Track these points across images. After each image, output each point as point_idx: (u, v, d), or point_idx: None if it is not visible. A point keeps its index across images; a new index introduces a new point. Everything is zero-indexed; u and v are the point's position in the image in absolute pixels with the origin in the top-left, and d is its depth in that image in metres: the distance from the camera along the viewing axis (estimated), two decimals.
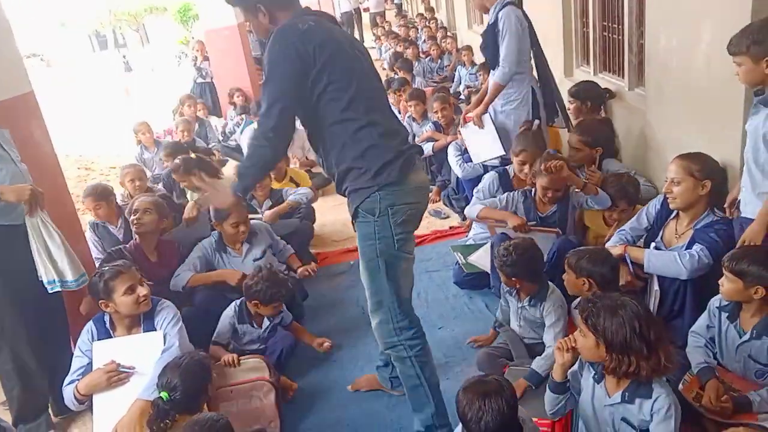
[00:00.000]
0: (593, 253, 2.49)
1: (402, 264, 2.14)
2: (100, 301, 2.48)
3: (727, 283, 2.10)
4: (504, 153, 3.86)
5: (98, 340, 2.49)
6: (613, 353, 1.79)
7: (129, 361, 2.37)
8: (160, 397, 2.12)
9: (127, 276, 2.46)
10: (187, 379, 2.13)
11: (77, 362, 2.47)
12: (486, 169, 4.18)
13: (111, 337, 2.51)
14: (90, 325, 2.54)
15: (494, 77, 3.83)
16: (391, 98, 6.48)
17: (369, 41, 16.20)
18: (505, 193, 3.36)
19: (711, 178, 2.44)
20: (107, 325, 2.53)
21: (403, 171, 2.05)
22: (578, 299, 2.28)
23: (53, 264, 2.44)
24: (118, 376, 2.34)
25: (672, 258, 2.41)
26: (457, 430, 1.90)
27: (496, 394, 1.70)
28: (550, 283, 2.64)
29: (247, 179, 2.13)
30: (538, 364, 2.44)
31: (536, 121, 3.89)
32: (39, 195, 2.42)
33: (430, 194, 4.86)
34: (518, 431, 1.77)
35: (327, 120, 2.04)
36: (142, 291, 2.48)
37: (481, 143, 4.03)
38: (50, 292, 2.47)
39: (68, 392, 2.40)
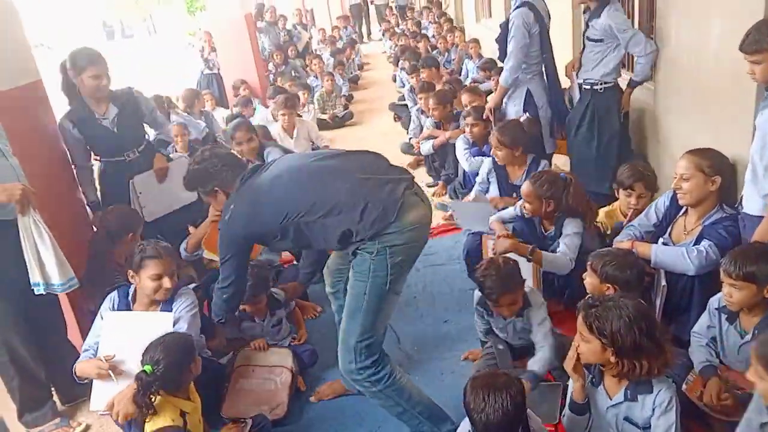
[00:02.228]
0: (619, 258, 2.38)
1: (387, 305, 2.15)
2: (129, 271, 2.53)
3: (737, 292, 2.01)
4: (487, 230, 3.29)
5: (116, 310, 2.52)
6: (624, 358, 1.76)
7: (136, 337, 2.35)
8: (144, 370, 2.14)
9: (162, 263, 2.49)
10: (169, 355, 2.16)
11: (96, 328, 2.50)
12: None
13: (129, 309, 2.54)
14: (113, 294, 2.57)
15: (500, 78, 4.08)
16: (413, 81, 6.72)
17: (376, 33, 16.23)
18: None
19: (721, 174, 2.42)
20: (129, 297, 2.56)
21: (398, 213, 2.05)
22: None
23: (40, 266, 2.40)
24: (107, 373, 2.33)
25: (680, 253, 2.40)
26: (465, 421, 1.90)
27: (503, 389, 1.69)
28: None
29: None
30: (535, 365, 2.39)
31: (524, 114, 4.03)
32: (30, 194, 2.37)
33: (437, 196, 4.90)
34: (524, 430, 1.77)
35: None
36: (166, 283, 2.50)
37: (471, 216, 3.63)
38: (35, 294, 2.43)
39: (81, 360, 2.44)
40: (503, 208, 3.35)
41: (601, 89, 3.72)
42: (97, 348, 2.44)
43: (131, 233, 3.09)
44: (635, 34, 3.50)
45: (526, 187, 2.94)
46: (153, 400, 2.12)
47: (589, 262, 2.43)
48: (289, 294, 3.11)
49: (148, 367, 2.14)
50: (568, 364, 1.92)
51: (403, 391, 2.19)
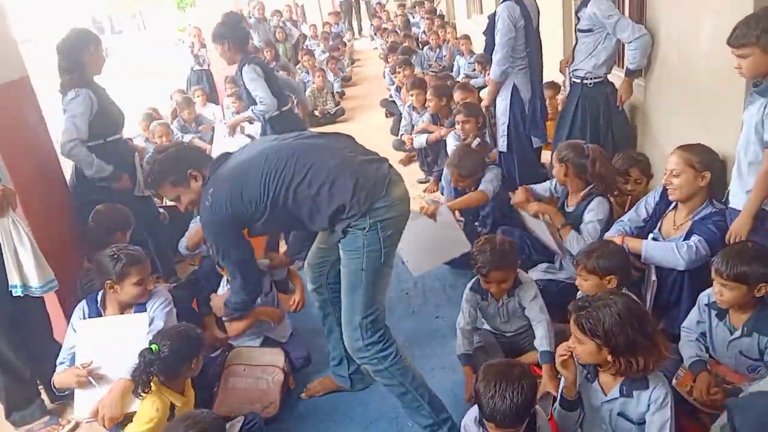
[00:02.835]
0: (603, 247, 2.43)
1: (383, 279, 2.15)
2: (106, 281, 2.46)
3: (728, 292, 2.02)
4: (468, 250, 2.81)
5: (88, 318, 2.49)
6: (620, 356, 1.77)
7: (112, 341, 2.36)
8: (150, 348, 2.15)
9: (143, 268, 2.48)
10: (177, 342, 2.17)
11: (69, 341, 2.47)
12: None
13: (100, 316, 2.51)
14: (82, 304, 2.55)
15: (490, 73, 4.11)
16: (396, 79, 6.81)
17: (367, 30, 16.18)
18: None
19: (710, 170, 2.44)
20: (98, 304, 2.53)
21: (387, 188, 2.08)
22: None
23: (18, 268, 2.38)
24: (86, 381, 2.31)
25: (670, 248, 2.41)
26: (472, 410, 1.91)
27: (514, 380, 1.70)
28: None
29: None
30: (542, 342, 2.40)
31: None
32: (10, 195, 2.36)
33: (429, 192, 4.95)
34: (531, 423, 1.78)
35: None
36: (149, 285, 2.50)
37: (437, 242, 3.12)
38: (13, 295, 2.41)
39: (58, 372, 2.42)
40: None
41: (590, 83, 3.73)
42: (73, 358, 2.41)
43: (120, 232, 3.09)
44: (620, 18, 3.50)
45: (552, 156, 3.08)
46: (150, 379, 2.13)
47: (580, 266, 2.41)
48: (275, 262, 3.08)
49: (154, 346, 2.15)
50: (560, 362, 1.91)
51: (407, 371, 2.19)
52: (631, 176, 3.13)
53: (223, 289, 2.85)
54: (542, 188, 3.23)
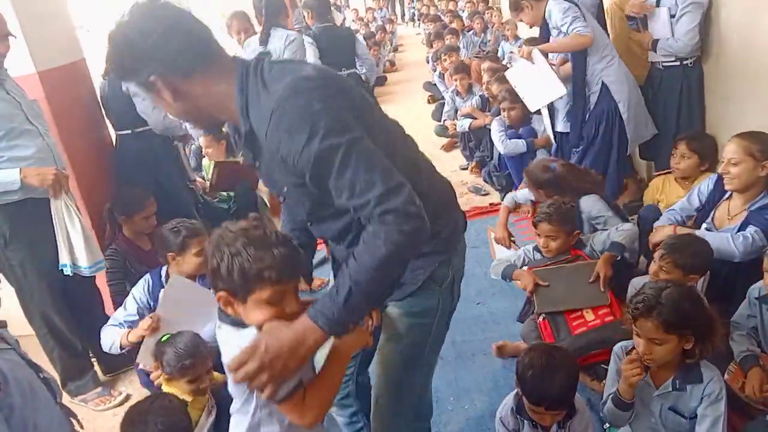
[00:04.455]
0: (696, 247, 2.25)
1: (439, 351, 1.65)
2: (168, 253, 2.54)
3: None
4: (566, 91, 3.44)
5: (151, 290, 2.54)
6: (703, 341, 1.74)
7: (191, 307, 2.35)
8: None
9: (202, 239, 2.51)
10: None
11: (129, 307, 2.52)
12: (529, 146, 4.13)
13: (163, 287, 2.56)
14: (147, 276, 2.61)
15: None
16: (439, 66, 6.69)
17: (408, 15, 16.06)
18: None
19: None
20: (162, 278, 2.60)
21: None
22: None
23: (69, 248, 2.48)
24: (157, 326, 2.33)
25: (725, 239, 2.33)
26: (507, 401, 1.91)
27: (560, 363, 1.71)
28: None
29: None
30: (618, 235, 2.51)
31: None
32: (62, 178, 2.45)
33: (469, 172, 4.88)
34: (570, 409, 1.78)
35: None
36: None
37: (536, 84, 3.60)
38: (64, 274, 2.51)
39: (109, 334, 2.47)
40: None
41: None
42: (130, 324, 2.46)
43: (139, 213, 3.03)
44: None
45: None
46: None
47: (666, 259, 2.23)
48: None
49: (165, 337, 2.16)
50: (631, 376, 1.80)
51: None
52: (677, 149, 3.07)
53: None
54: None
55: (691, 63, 3.31)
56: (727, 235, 2.34)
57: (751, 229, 2.30)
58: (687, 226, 2.58)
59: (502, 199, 4.27)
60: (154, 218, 3.07)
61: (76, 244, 2.49)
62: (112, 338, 2.47)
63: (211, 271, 1.25)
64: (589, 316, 2.44)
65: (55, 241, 2.49)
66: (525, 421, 1.84)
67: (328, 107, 1.19)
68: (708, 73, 3.40)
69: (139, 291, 2.58)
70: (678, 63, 3.32)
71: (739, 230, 2.36)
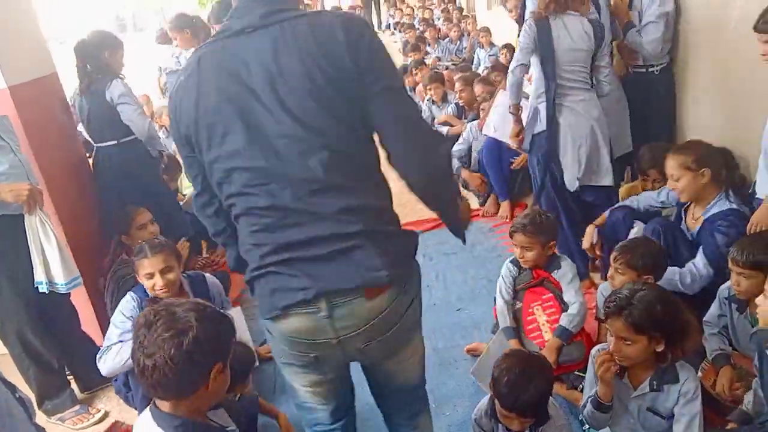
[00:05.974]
0: (646, 248, 2.28)
1: None
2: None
3: (744, 281, 2.00)
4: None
5: (142, 307, 2.41)
6: (674, 344, 1.75)
7: None
8: None
9: (152, 261, 2.42)
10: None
11: (121, 327, 2.41)
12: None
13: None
14: (132, 296, 2.49)
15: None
16: (407, 81, 6.57)
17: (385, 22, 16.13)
18: None
19: (709, 165, 2.37)
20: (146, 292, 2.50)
21: None
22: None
23: (44, 265, 2.42)
24: None
25: (674, 278, 2.37)
26: (482, 404, 1.91)
27: (536, 371, 1.72)
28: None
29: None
30: (567, 320, 2.39)
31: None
32: (37, 194, 2.40)
33: None
34: (544, 415, 1.79)
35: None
36: (158, 281, 2.42)
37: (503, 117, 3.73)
38: (39, 291, 2.45)
39: (115, 353, 2.34)
40: None
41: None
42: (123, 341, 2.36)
43: (132, 225, 3.03)
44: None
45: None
46: None
47: (619, 261, 2.28)
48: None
49: None
50: (602, 373, 1.82)
51: None
52: (649, 176, 3.01)
53: None
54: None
55: (657, 71, 3.36)
56: (676, 275, 2.38)
57: (698, 260, 2.36)
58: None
59: (482, 204, 4.33)
60: (152, 224, 3.08)
61: (52, 260, 2.44)
62: (121, 357, 2.32)
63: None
64: (541, 318, 2.51)
65: (30, 258, 2.44)
66: (499, 425, 1.86)
67: None
68: (678, 78, 3.47)
69: (128, 309, 2.45)
70: (644, 70, 3.40)
71: (698, 234, 2.44)
